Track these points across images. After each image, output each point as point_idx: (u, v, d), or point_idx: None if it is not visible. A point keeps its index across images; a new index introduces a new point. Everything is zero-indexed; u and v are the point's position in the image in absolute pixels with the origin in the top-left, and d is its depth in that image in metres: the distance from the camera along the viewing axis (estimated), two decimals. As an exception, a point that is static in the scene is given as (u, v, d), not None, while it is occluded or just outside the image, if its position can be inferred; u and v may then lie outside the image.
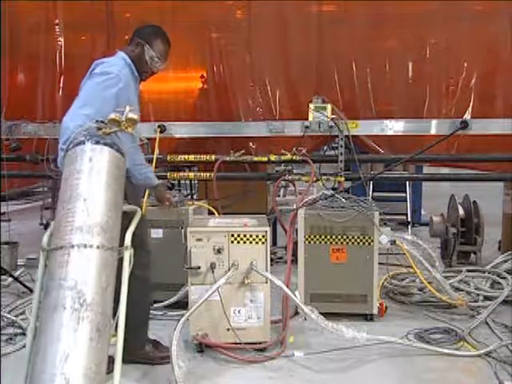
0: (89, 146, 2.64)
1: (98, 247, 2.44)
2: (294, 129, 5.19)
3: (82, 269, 2.38)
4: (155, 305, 4.38)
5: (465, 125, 4.96)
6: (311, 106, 5.06)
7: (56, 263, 2.41)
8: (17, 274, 5.30)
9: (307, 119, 5.08)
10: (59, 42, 5.59)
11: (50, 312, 2.31)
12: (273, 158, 5.19)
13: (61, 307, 2.29)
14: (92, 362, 2.25)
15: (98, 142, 2.65)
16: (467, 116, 5.05)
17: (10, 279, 5.16)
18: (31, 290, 4.88)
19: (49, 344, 2.25)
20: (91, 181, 2.57)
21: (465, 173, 5.42)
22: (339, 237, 4.28)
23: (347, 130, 5.02)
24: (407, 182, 7.58)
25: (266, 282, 3.79)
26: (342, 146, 5.05)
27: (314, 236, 4.32)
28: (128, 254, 2.68)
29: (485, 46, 5.05)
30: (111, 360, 2.46)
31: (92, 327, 2.30)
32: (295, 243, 4.43)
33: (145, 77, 3.57)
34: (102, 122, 2.73)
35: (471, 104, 5.06)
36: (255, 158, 5.28)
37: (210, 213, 4.90)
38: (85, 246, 2.42)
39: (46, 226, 7.80)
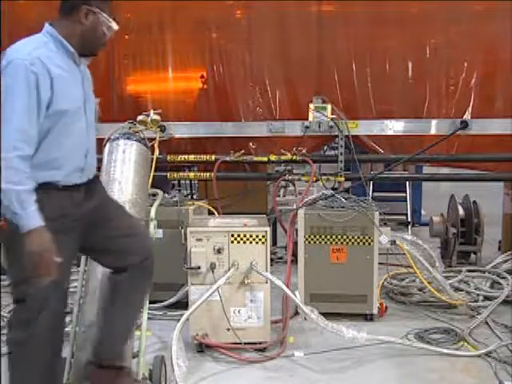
0: (122, 141, 3.34)
1: None
2: (294, 129, 5.18)
3: None
4: (155, 305, 4.38)
5: (465, 125, 4.96)
6: (311, 105, 5.05)
7: None
8: (17, 274, 5.29)
9: (307, 119, 5.08)
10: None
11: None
12: (273, 158, 5.19)
13: None
14: None
15: (129, 138, 3.32)
16: (467, 116, 5.05)
17: (10, 279, 5.15)
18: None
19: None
20: (124, 168, 3.26)
21: (465, 173, 5.41)
22: (339, 237, 4.29)
23: (347, 130, 5.01)
24: (407, 182, 7.58)
25: (266, 282, 3.79)
26: (342, 146, 5.04)
27: (314, 236, 4.32)
28: (153, 224, 3.36)
29: (485, 46, 5.04)
30: None
31: None
32: (295, 243, 4.43)
33: (99, 50, 2.76)
34: (132, 122, 3.44)
35: (471, 104, 5.05)
36: (255, 158, 5.27)
37: (210, 213, 4.90)
38: None
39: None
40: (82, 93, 2.64)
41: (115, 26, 2.68)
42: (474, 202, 5.84)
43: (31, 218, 2.33)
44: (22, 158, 2.34)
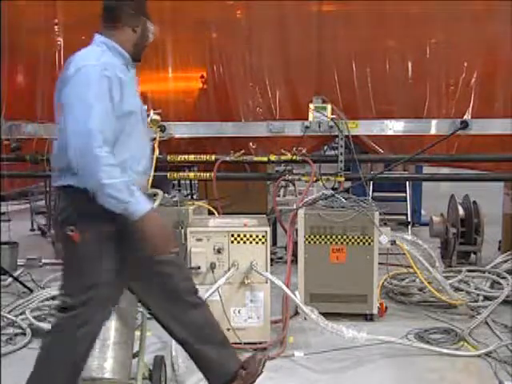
0: None
1: None
2: (294, 129, 5.18)
3: None
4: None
5: (465, 125, 4.97)
6: (311, 105, 5.06)
7: None
8: (17, 274, 5.30)
9: (307, 119, 5.08)
10: (58, 42, 5.58)
11: None
12: (273, 158, 5.19)
13: None
14: None
15: None
16: (467, 116, 5.05)
17: (10, 279, 5.16)
18: (31, 290, 4.89)
19: None
20: None
21: (465, 173, 5.41)
22: (339, 237, 4.29)
23: (347, 130, 5.02)
24: (407, 182, 7.58)
25: (266, 282, 3.79)
26: (342, 146, 5.05)
27: (314, 236, 4.31)
28: None
29: (485, 46, 5.04)
30: None
31: None
32: (295, 243, 4.43)
33: (141, 56, 2.85)
34: None
35: (471, 104, 5.05)
36: (255, 158, 5.27)
37: (210, 213, 4.90)
38: None
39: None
40: (137, 96, 2.73)
41: (156, 31, 2.78)
42: (474, 202, 5.84)
43: (142, 202, 2.43)
44: (111, 155, 2.39)
